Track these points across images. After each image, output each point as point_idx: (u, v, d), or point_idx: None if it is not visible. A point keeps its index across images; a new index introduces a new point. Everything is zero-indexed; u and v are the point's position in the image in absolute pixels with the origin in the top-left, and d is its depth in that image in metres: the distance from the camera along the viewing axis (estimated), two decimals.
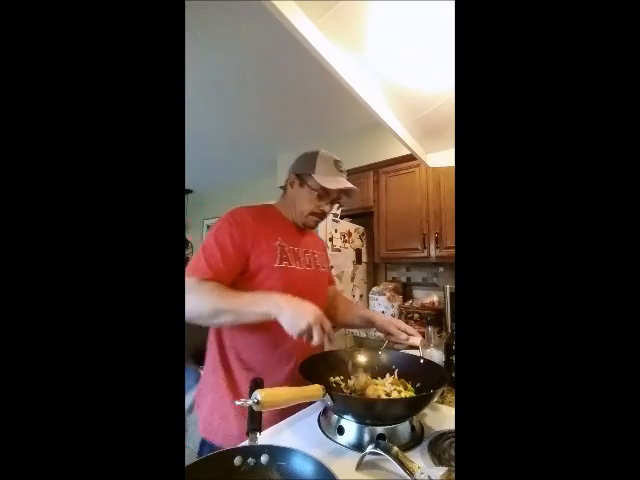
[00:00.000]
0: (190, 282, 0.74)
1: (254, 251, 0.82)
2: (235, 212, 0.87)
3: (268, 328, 0.76)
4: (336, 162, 0.89)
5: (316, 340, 0.67)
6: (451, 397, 0.85)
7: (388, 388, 0.72)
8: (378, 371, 0.83)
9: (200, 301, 0.73)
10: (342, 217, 2.32)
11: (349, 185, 0.88)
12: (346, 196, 0.93)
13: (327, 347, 0.73)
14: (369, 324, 1.01)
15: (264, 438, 0.59)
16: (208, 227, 4.39)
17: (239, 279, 0.82)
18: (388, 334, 0.94)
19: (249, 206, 0.92)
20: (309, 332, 0.67)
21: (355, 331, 1.83)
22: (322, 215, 0.93)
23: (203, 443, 0.83)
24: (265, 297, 0.73)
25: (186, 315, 0.71)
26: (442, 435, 0.65)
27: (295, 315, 0.68)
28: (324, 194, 0.88)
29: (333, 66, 0.67)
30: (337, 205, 0.97)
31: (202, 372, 0.90)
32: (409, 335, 0.92)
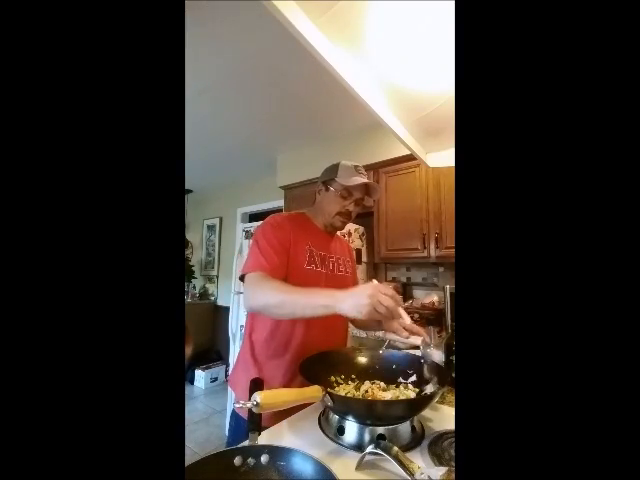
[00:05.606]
0: (255, 276, 0.83)
1: (292, 252, 0.92)
2: (274, 217, 0.97)
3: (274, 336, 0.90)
4: (356, 167, 0.99)
5: (390, 305, 0.65)
6: (451, 397, 0.85)
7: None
8: (379, 370, 0.83)
9: (267, 293, 0.79)
10: None
11: (366, 180, 0.96)
12: (368, 195, 1.02)
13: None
14: (378, 322, 1.02)
15: (264, 438, 0.59)
16: (208, 227, 4.39)
17: None
18: (392, 331, 0.95)
19: (284, 213, 1.04)
20: (375, 305, 0.64)
21: (355, 331, 1.83)
22: (348, 215, 1.00)
23: (236, 418, 0.92)
24: (321, 291, 0.77)
25: (254, 305, 0.81)
26: (442, 435, 0.65)
27: (354, 299, 0.67)
28: (347, 194, 0.98)
29: (333, 66, 0.67)
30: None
31: (238, 355, 1.01)
32: (413, 334, 0.92)
